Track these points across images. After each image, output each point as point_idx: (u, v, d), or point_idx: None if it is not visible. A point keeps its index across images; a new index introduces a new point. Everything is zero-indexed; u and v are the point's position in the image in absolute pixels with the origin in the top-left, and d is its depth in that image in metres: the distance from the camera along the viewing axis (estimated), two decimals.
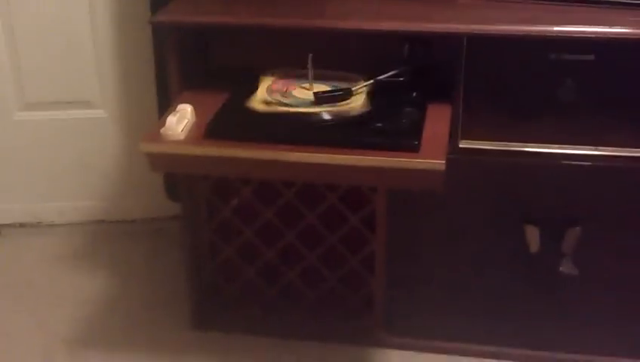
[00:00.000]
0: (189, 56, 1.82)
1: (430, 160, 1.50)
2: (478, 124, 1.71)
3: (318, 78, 1.70)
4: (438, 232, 1.85)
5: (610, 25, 1.58)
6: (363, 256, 1.92)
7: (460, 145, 1.73)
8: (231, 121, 1.64)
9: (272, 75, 1.76)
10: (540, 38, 1.60)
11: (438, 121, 1.63)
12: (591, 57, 1.60)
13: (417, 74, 1.69)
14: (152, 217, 2.59)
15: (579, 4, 1.69)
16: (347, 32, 1.68)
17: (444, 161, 1.50)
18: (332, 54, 1.73)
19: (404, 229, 1.86)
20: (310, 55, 1.65)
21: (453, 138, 1.69)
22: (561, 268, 1.80)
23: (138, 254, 2.45)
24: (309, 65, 1.66)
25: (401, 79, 1.68)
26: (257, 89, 1.71)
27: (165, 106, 1.84)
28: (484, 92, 1.68)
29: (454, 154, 1.70)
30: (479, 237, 1.83)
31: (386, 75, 1.69)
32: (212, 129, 1.61)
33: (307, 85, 1.69)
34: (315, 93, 1.64)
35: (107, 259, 2.42)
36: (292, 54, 1.71)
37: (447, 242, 1.86)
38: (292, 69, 1.75)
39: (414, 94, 1.68)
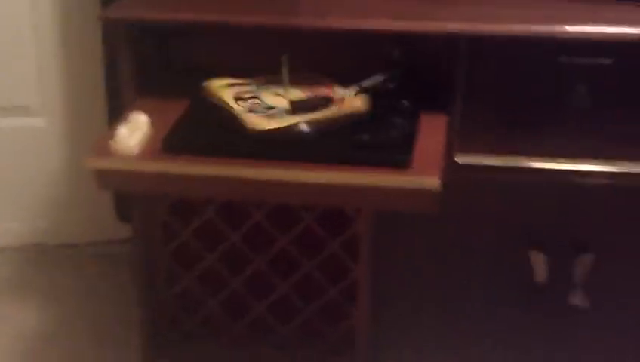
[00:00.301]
0: (144, 57, 1.81)
1: (423, 178, 1.49)
2: (478, 136, 1.71)
3: (294, 84, 1.69)
4: (431, 258, 1.85)
5: (631, 24, 1.58)
6: (344, 286, 1.90)
7: (457, 161, 1.72)
8: (191, 133, 1.63)
9: (241, 79, 1.75)
10: (551, 39, 1.59)
11: (432, 133, 1.62)
12: (609, 61, 1.60)
13: (408, 79, 1.69)
14: (99, 240, 2.59)
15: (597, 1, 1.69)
16: (326, 31, 1.67)
17: (438, 180, 1.49)
18: (310, 56, 1.72)
19: (392, 255, 1.86)
20: (284, 56, 1.65)
21: (449, 152, 1.68)
22: (570, 300, 1.80)
23: (82, 282, 2.44)
24: (284, 68, 1.65)
25: (390, 85, 1.69)
26: (223, 95, 1.69)
27: (116, 115, 1.82)
28: (486, 100, 1.68)
29: (450, 171, 1.68)
30: (478, 264, 1.83)
31: (371, 81, 1.69)
32: (170, 142, 1.60)
33: (281, 91, 1.68)
34: (291, 101, 1.64)
35: (47, 288, 2.41)
36: (264, 55, 1.70)
37: (442, 270, 1.85)
38: (264, 72, 1.74)
39: (405, 102, 1.67)
